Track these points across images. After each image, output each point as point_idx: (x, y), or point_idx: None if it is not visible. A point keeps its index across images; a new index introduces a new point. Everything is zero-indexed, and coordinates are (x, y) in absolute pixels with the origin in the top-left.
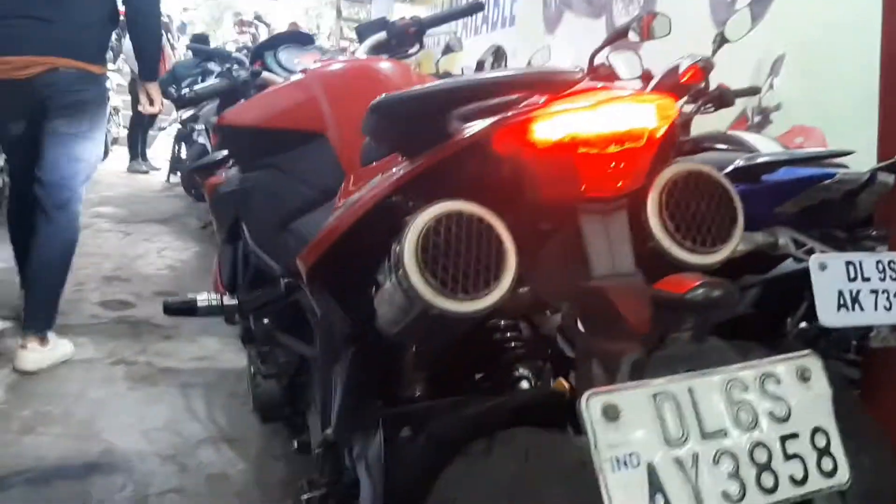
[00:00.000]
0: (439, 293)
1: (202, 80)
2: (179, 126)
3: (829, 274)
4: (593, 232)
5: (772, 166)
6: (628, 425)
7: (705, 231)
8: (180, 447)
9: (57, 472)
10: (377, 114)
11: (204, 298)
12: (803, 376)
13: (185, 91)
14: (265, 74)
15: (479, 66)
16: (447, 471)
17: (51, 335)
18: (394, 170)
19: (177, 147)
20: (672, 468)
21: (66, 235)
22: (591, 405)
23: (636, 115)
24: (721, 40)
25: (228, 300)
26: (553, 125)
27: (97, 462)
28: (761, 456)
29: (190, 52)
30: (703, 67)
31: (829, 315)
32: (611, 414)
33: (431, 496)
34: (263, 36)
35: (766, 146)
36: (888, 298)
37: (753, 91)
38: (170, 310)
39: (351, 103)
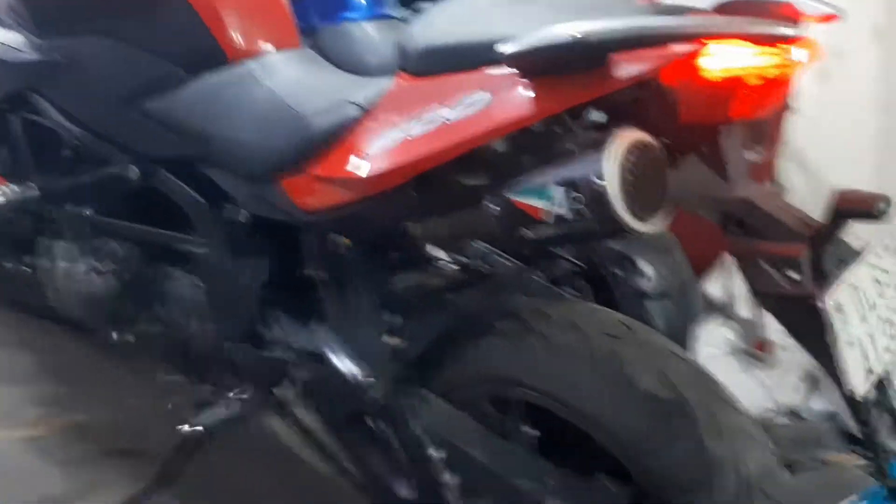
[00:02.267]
0: (635, 217)
1: None
2: None
3: None
4: (733, 149)
5: None
6: (846, 313)
7: None
8: None
9: None
10: (541, 53)
11: None
12: None
13: None
14: None
15: None
16: (482, 348)
17: None
18: (521, 91)
19: None
20: (867, 339)
21: None
22: (830, 304)
23: (797, 54)
24: None
25: (27, 190)
26: (727, 59)
27: None
28: None
29: None
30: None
31: None
32: (838, 308)
33: (474, 372)
34: None
35: None
36: None
37: None
38: None
39: None
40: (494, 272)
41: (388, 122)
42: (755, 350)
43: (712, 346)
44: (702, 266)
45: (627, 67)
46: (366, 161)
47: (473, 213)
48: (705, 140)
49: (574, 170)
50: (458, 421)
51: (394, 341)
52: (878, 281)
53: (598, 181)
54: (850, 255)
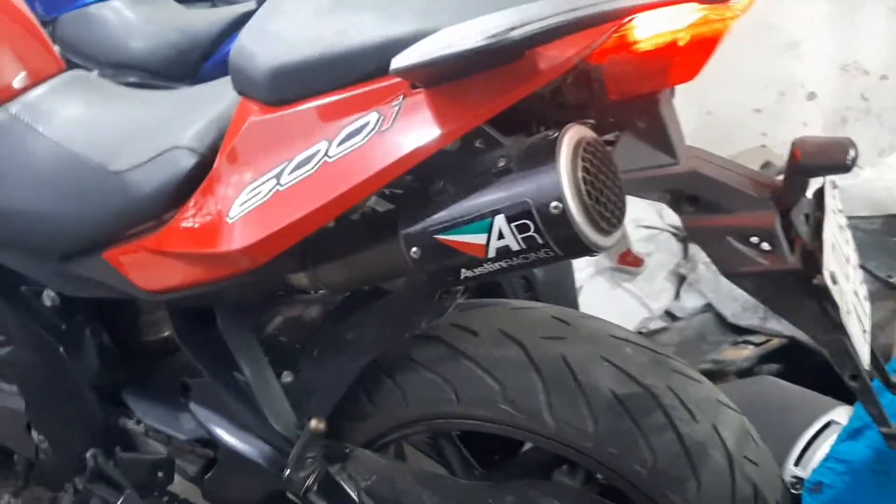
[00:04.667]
0: (601, 232)
1: None
2: None
3: None
4: (671, 118)
5: None
6: (839, 280)
7: None
8: None
9: None
10: (447, 61)
11: None
12: None
13: None
14: None
15: None
16: (408, 385)
17: None
18: (424, 106)
19: None
20: (854, 298)
21: None
22: (827, 277)
23: (721, 12)
24: None
25: None
26: (658, 25)
27: None
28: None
29: None
30: None
31: None
32: (833, 279)
33: (404, 415)
34: None
35: None
36: None
37: None
38: None
39: None
40: (382, 290)
41: (248, 172)
42: (622, 265)
43: (578, 272)
44: None
45: (553, 56)
46: (228, 231)
47: (383, 256)
48: (641, 114)
49: (518, 191)
50: (398, 472)
51: (296, 402)
52: (840, 226)
53: (555, 202)
54: (807, 206)
